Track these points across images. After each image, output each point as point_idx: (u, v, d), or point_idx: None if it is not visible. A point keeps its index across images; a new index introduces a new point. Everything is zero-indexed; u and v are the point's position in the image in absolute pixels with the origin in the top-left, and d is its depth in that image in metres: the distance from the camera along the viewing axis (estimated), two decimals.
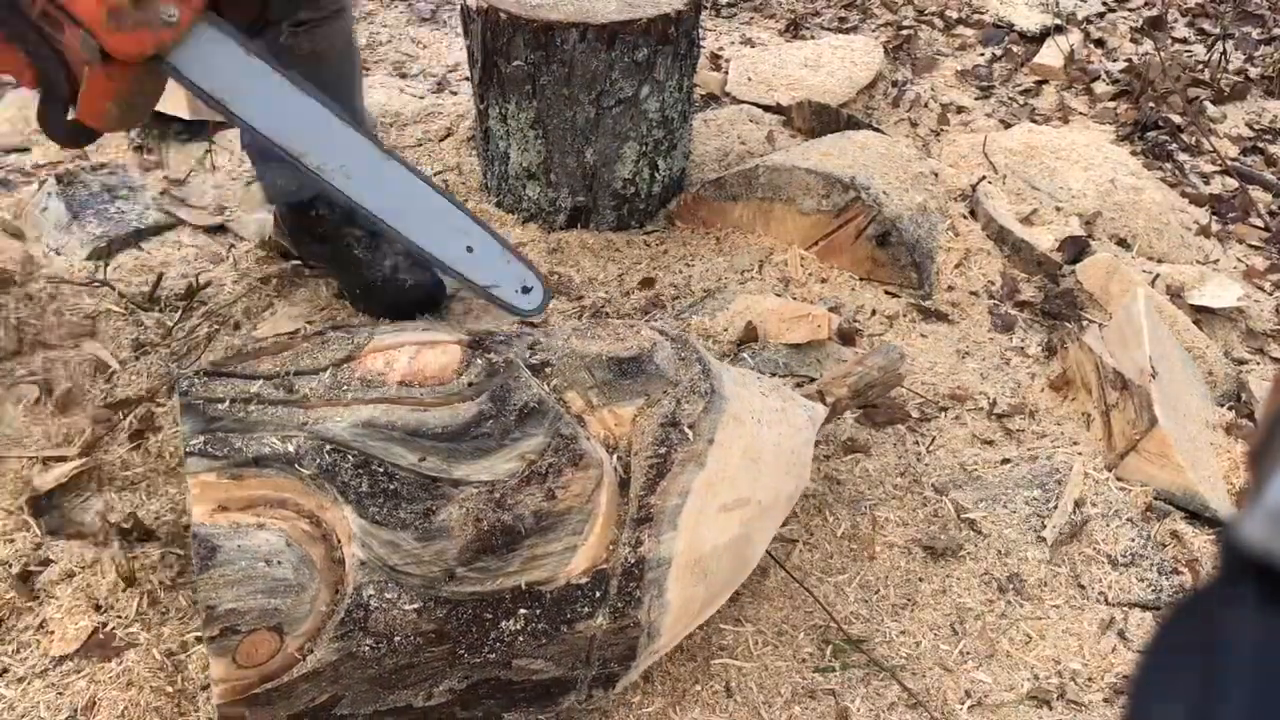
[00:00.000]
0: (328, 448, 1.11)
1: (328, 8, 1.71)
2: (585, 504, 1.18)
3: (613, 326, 1.37)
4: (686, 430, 1.28)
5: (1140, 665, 0.30)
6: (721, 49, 3.38)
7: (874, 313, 2.21)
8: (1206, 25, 3.95)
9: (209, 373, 1.17)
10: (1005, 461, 1.86)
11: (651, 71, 2.20)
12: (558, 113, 2.22)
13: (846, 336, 2.10)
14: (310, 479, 1.09)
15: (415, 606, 1.10)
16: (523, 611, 1.15)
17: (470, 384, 1.19)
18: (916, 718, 1.42)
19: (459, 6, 2.73)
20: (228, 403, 1.13)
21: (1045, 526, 1.71)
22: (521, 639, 1.16)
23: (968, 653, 1.52)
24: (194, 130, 2.59)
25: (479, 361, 1.21)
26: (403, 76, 3.06)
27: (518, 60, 2.17)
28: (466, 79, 2.76)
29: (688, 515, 1.24)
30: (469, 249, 1.37)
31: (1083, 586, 1.63)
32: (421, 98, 2.89)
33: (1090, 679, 1.50)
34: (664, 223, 2.45)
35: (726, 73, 3.17)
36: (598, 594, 1.18)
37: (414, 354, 1.20)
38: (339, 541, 1.09)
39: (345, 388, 1.16)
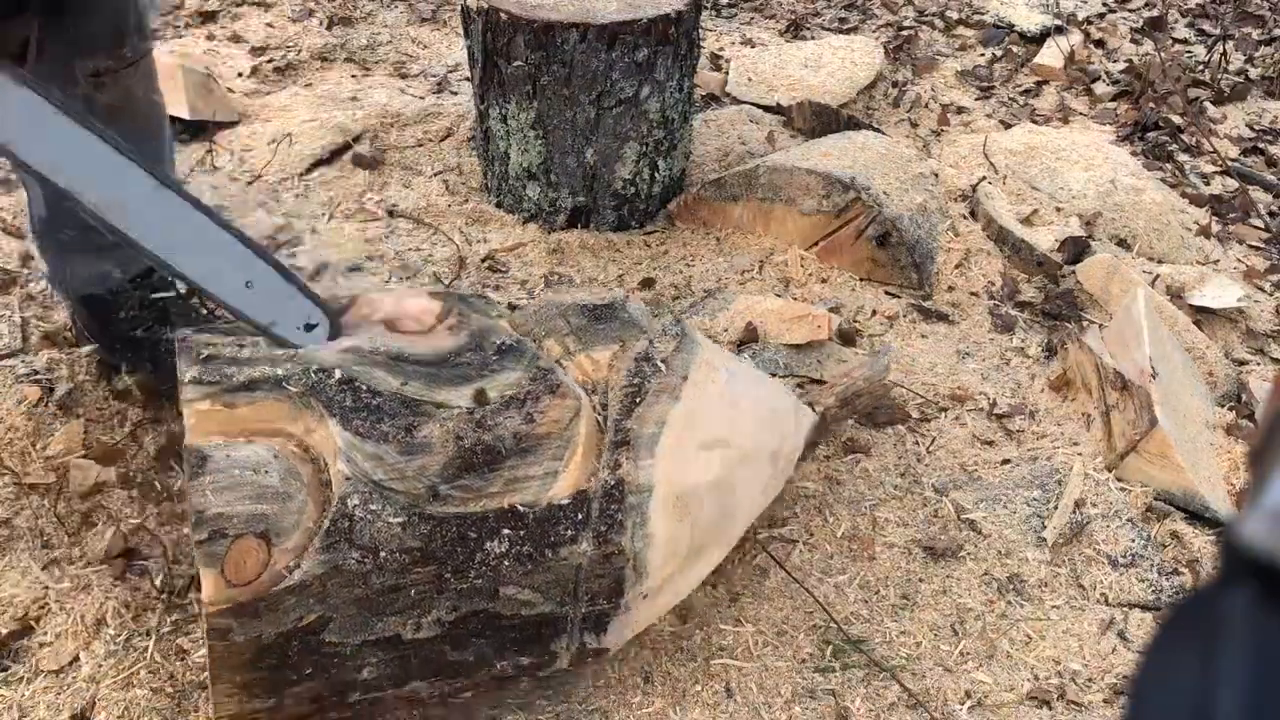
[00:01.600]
0: (314, 368, 1.17)
1: (126, 58, 1.57)
2: (564, 431, 1.23)
3: (586, 287, 1.46)
4: (660, 364, 1.34)
5: (1141, 663, 0.30)
6: (721, 49, 3.38)
7: (874, 313, 2.21)
8: (1206, 26, 3.96)
9: (203, 328, 1.25)
10: (1005, 462, 1.86)
11: (652, 72, 2.20)
12: (558, 113, 2.22)
13: (846, 336, 2.10)
14: (297, 397, 1.14)
15: (400, 520, 1.13)
16: (506, 532, 1.18)
17: (450, 327, 1.27)
18: (916, 718, 1.42)
19: (459, 6, 2.73)
20: (221, 344, 1.20)
21: (1045, 527, 1.71)
22: (507, 563, 1.18)
23: (968, 653, 1.52)
24: (194, 130, 2.59)
25: (459, 309, 1.30)
26: (403, 76, 3.06)
27: (518, 60, 2.17)
28: (467, 79, 2.76)
29: (665, 445, 1.28)
30: (248, 284, 1.31)
31: (1083, 587, 1.64)
32: (422, 98, 2.89)
33: (1090, 679, 1.50)
34: (664, 223, 2.45)
35: (726, 73, 3.17)
36: (580, 515, 1.22)
37: (397, 300, 1.29)
38: (326, 465, 1.13)
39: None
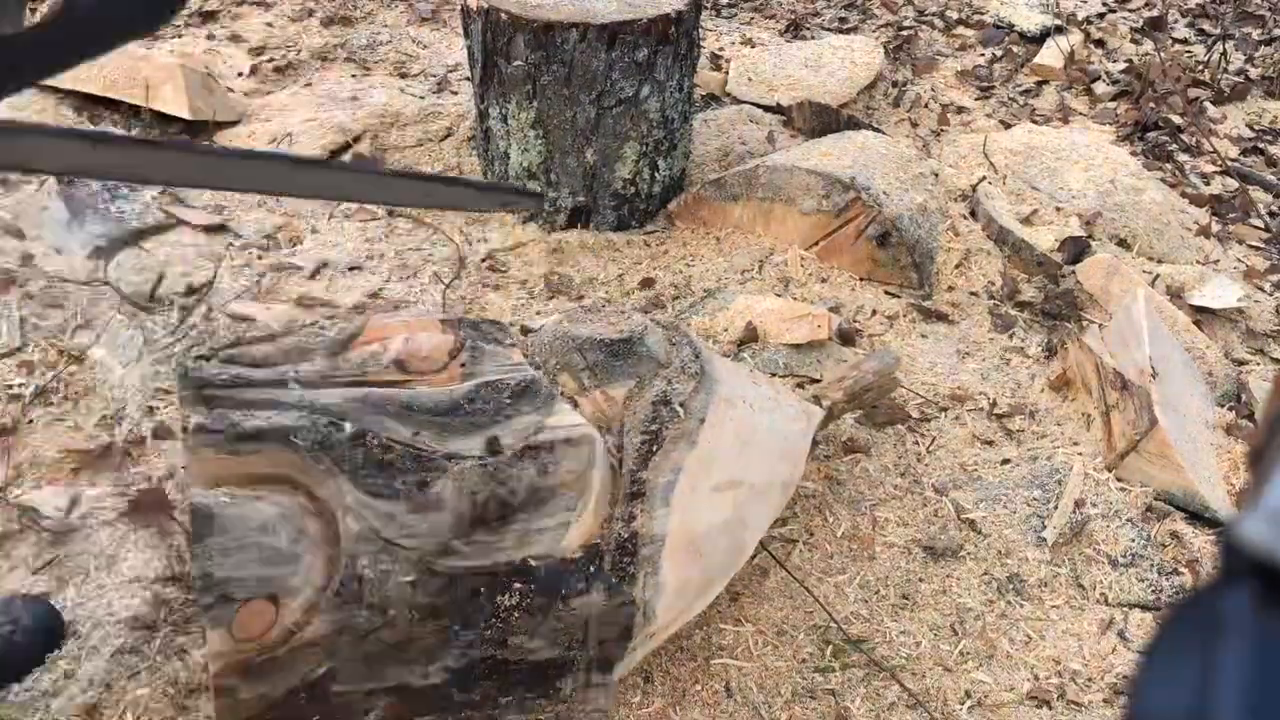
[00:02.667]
0: (324, 421, 1.12)
1: None
2: (578, 480, 1.20)
3: (604, 313, 1.40)
4: (678, 408, 1.30)
5: (1140, 663, 0.30)
6: (721, 49, 3.38)
7: (874, 313, 2.21)
8: (1206, 26, 3.95)
9: (208, 357, 1.19)
10: (1005, 461, 1.86)
11: (652, 71, 2.20)
12: (558, 113, 2.22)
13: (846, 336, 2.10)
14: (306, 451, 1.10)
15: (410, 578, 1.11)
16: (518, 586, 1.16)
17: (463, 365, 1.22)
18: (916, 718, 1.42)
19: (459, 6, 2.73)
20: (227, 383, 1.14)
21: (1045, 527, 1.71)
22: (517, 615, 1.17)
23: (968, 653, 1.52)
24: (194, 130, 2.59)
25: (471, 342, 1.24)
26: (403, 76, 3.05)
27: (518, 60, 2.17)
28: (467, 79, 2.76)
29: (680, 493, 1.26)
30: None
31: (1083, 587, 1.64)
32: (422, 98, 2.89)
33: (1090, 679, 1.50)
34: (664, 223, 2.44)
35: (726, 73, 3.17)
36: (592, 569, 1.20)
37: (408, 337, 1.22)
38: (335, 517, 1.10)
39: (340, 369, 1.18)
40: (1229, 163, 2.98)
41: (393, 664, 1.14)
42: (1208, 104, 3.35)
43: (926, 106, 3.15)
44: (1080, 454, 1.87)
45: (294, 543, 1.08)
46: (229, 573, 1.05)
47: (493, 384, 1.21)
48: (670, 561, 1.25)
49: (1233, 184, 2.91)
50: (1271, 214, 2.82)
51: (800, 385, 1.89)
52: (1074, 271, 2.37)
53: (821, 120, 2.82)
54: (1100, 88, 3.41)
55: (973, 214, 2.55)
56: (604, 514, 1.22)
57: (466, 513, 1.13)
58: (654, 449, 1.27)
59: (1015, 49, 3.60)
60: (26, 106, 2.55)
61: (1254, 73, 3.60)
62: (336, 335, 1.22)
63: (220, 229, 2.29)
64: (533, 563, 1.17)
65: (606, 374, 1.32)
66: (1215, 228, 2.68)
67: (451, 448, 1.15)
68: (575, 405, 1.26)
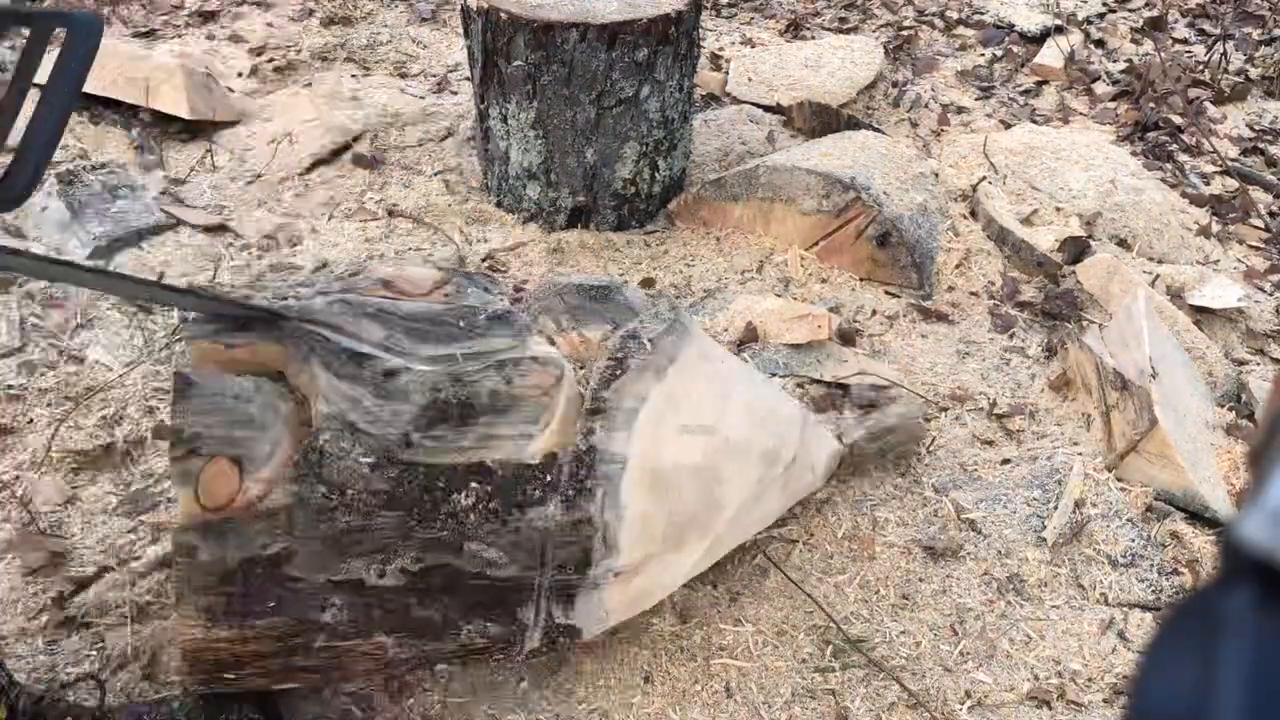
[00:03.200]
0: (305, 312, 1.21)
1: None
2: (543, 396, 1.24)
3: (591, 275, 1.48)
4: (645, 343, 1.35)
5: (1140, 663, 0.30)
6: (721, 49, 3.38)
7: (874, 313, 2.21)
8: (1206, 26, 3.95)
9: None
10: (1005, 461, 1.86)
11: (652, 71, 2.20)
12: (558, 113, 2.22)
13: (846, 336, 2.10)
14: (286, 338, 1.18)
15: (369, 461, 1.15)
16: (474, 486, 1.19)
17: (446, 295, 1.30)
18: (916, 718, 1.42)
19: (459, 6, 2.73)
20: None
21: (1045, 527, 1.71)
22: (473, 517, 1.19)
23: (968, 653, 1.52)
24: (194, 130, 2.59)
25: (459, 281, 1.33)
26: (403, 76, 3.06)
27: (518, 60, 2.17)
28: (467, 79, 2.76)
29: (645, 421, 1.29)
30: None
31: (1083, 587, 1.64)
32: (422, 98, 2.89)
33: (1090, 679, 1.50)
34: (664, 223, 2.45)
35: (726, 73, 3.17)
36: (548, 477, 1.22)
37: (399, 266, 1.32)
38: (309, 404, 1.16)
39: (333, 288, 1.28)
40: (1229, 163, 2.98)
41: (349, 554, 1.16)
42: (1208, 104, 3.35)
43: (926, 106, 3.15)
44: (1080, 454, 1.87)
45: (264, 412, 1.14)
46: (199, 429, 1.11)
47: (471, 308, 1.28)
48: (631, 488, 1.27)
49: (1233, 184, 2.91)
50: (1271, 214, 2.82)
51: (800, 385, 1.89)
52: (1074, 271, 2.37)
53: (821, 120, 2.82)
54: (1100, 88, 3.41)
55: (973, 214, 2.55)
56: (569, 438, 1.25)
57: (429, 407, 1.18)
58: (618, 373, 1.31)
59: (1015, 49, 3.59)
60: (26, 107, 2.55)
61: (1254, 73, 3.60)
62: (339, 274, 1.32)
63: (220, 229, 2.29)
64: (490, 465, 1.20)
65: (584, 317, 1.38)
66: (1215, 228, 2.68)
67: (422, 352, 1.21)
68: (552, 344, 1.32)
